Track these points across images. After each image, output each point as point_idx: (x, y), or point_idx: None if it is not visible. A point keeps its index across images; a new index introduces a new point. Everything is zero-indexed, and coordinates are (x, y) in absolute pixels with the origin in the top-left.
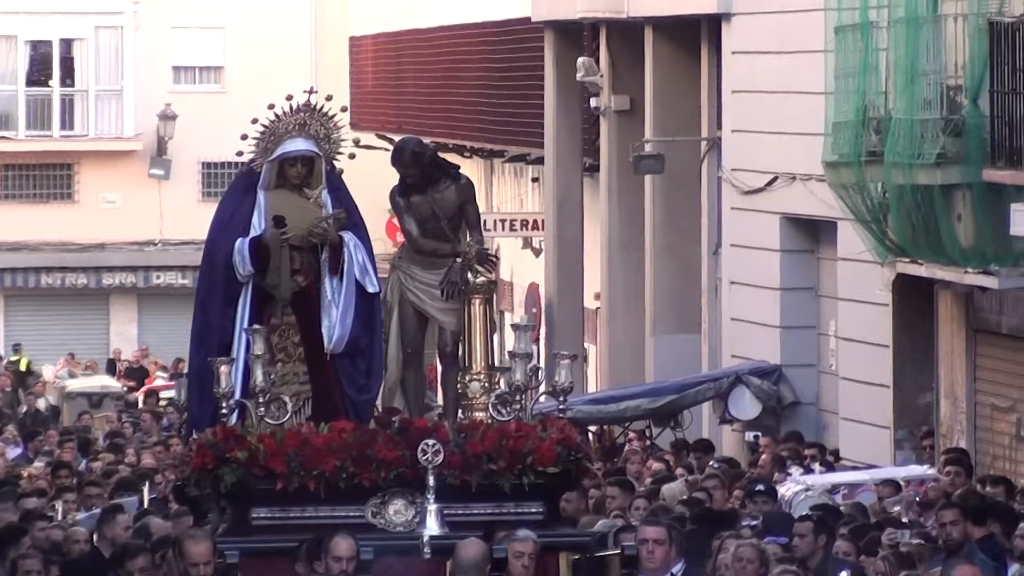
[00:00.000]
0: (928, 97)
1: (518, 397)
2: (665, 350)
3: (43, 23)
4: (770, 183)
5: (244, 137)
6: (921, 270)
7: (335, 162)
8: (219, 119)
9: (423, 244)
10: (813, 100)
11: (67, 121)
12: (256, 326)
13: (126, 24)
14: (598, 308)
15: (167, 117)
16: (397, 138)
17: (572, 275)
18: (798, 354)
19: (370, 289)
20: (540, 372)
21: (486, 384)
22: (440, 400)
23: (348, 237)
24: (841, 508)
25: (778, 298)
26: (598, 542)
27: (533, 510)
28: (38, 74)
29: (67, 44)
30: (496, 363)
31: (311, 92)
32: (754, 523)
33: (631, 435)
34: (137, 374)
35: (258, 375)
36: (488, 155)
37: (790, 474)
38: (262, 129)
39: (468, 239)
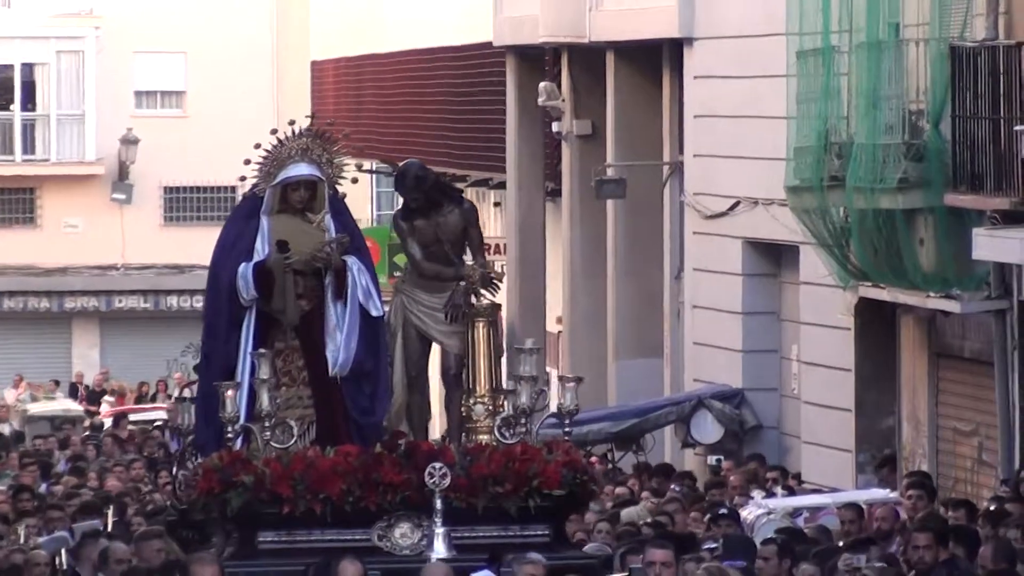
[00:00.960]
0: (890, 122)
1: (523, 420)
2: (627, 374)
3: (4, 47)
4: (732, 207)
5: (247, 162)
6: (883, 294)
7: (337, 186)
8: (181, 143)
9: (426, 268)
10: (775, 124)
11: (29, 145)
12: (261, 350)
13: (87, 48)
14: (560, 332)
15: (129, 141)
16: (366, 161)
17: (534, 299)
18: (760, 378)
19: (374, 313)
20: (546, 395)
21: (490, 407)
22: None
23: (351, 261)
24: (805, 531)
25: (740, 322)
26: (604, 564)
27: (539, 532)
28: None
29: (28, 68)
30: (500, 386)
31: (312, 117)
32: (715, 546)
33: (593, 459)
34: (99, 397)
35: (264, 399)
36: (450, 180)
37: (752, 498)
38: (265, 154)
39: (471, 262)
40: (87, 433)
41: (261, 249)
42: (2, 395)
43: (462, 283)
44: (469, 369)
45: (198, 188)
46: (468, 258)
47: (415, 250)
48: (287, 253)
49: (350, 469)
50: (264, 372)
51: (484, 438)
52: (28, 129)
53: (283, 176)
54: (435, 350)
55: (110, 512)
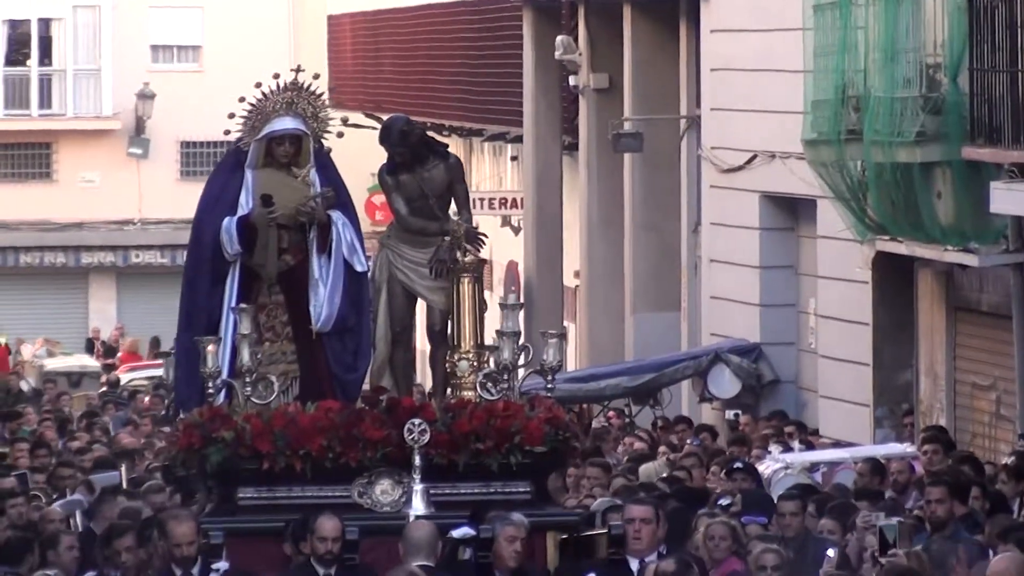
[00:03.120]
0: (907, 75)
1: (506, 376)
2: (644, 328)
3: (20, 2)
4: (749, 161)
5: (231, 116)
6: (901, 248)
7: (323, 141)
8: (198, 98)
9: (411, 223)
10: (792, 78)
11: (45, 100)
12: (243, 305)
13: (104, 3)
14: (577, 286)
15: (145, 96)
16: (383, 116)
17: (551, 253)
18: (778, 332)
19: (358, 268)
20: (528, 351)
21: (475, 363)
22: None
23: (336, 216)
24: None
25: (758, 276)
26: (586, 521)
27: (521, 490)
28: (15, 53)
29: (45, 23)
30: (484, 342)
31: (298, 71)
32: (729, 501)
33: (610, 413)
34: (115, 353)
35: (244, 355)
36: (467, 134)
37: (769, 452)
38: (249, 108)
39: (457, 218)
40: (103, 389)
41: (245, 203)
42: (20, 350)
43: (447, 238)
44: (454, 325)
45: (215, 143)
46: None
47: (400, 205)
48: (271, 207)
49: (331, 425)
50: (245, 327)
51: (468, 394)
52: (44, 84)
53: (268, 130)
54: (420, 306)
55: (123, 469)
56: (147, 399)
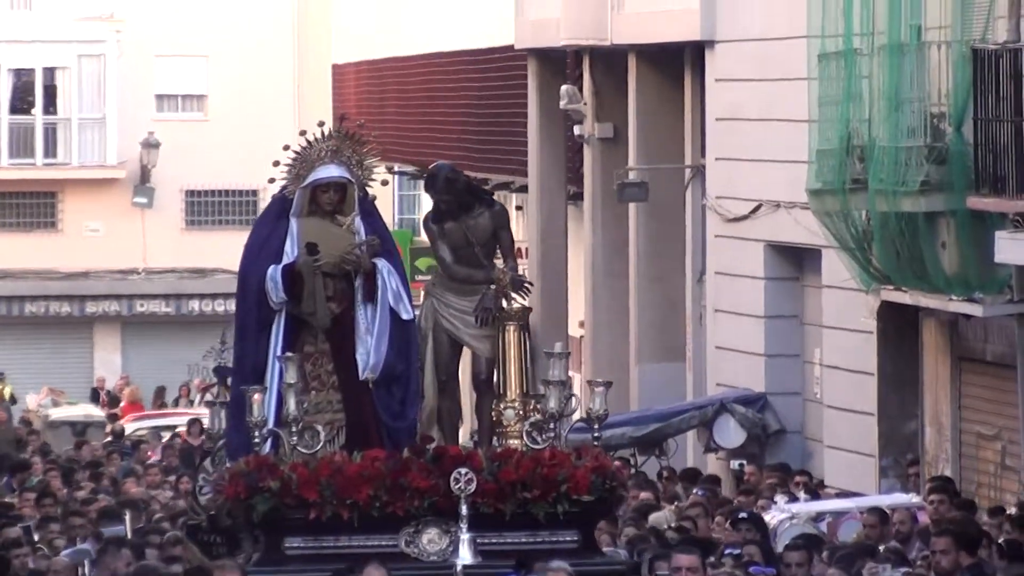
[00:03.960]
0: (912, 125)
1: (552, 425)
2: (650, 378)
3: (26, 51)
4: (754, 211)
5: (276, 163)
6: (906, 298)
7: (367, 188)
8: (202, 147)
9: (457, 271)
10: (797, 128)
11: (50, 149)
12: (289, 354)
13: (109, 52)
14: (583, 336)
15: (150, 145)
16: (389, 165)
17: (556, 303)
18: (783, 382)
19: (404, 316)
20: (575, 399)
21: (520, 412)
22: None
23: (381, 264)
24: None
25: (763, 326)
26: (632, 570)
27: (568, 538)
28: (21, 102)
29: (50, 72)
30: (531, 391)
31: (343, 119)
32: (737, 551)
33: (616, 463)
34: (120, 403)
35: (291, 404)
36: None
37: (775, 502)
38: (294, 155)
39: (502, 265)
40: (108, 439)
41: (290, 251)
42: (24, 400)
43: (492, 286)
44: (500, 373)
45: (219, 192)
46: (499, 261)
47: (445, 253)
48: (316, 255)
49: (377, 474)
50: (291, 376)
51: (515, 443)
52: (50, 133)
53: (312, 178)
54: (466, 354)
55: (127, 517)
56: (152, 451)
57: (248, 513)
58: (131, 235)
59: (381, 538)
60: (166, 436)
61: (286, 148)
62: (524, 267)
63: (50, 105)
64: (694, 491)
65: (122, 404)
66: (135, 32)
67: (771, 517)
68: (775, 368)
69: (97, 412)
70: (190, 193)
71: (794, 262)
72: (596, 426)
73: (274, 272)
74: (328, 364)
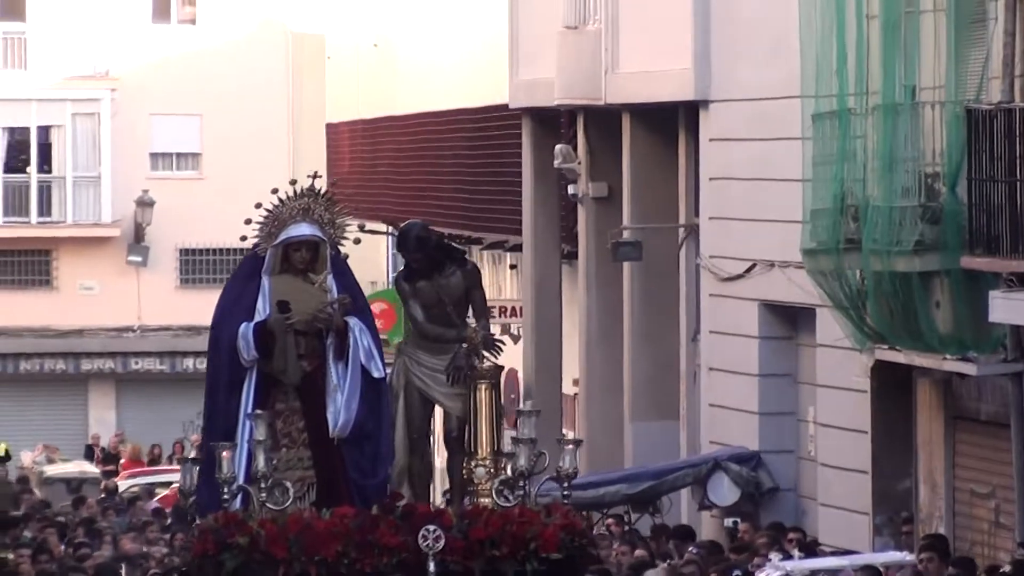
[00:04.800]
0: (906, 184)
1: (522, 483)
2: (644, 436)
3: (20, 109)
4: (748, 270)
5: (248, 222)
6: (900, 357)
7: (339, 247)
8: (197, 206)
9: (429, 330)
10: (791, 187)
11: (45, 208)
12: (259, 411)
13: (103, 111)
14: (576, 394)
15: (145, 203)
16: (381, 224)
17: (550, 361)
18: (777, 440)
19: (375, 374)
20: (545, 458)
21: (492, 470)
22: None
23: (353, 322)
24: None
25: (756, 384)
26: None
27: None
28: (15, 160)
29: (44, 131)
30: (502, 449)
31: (315, 177)
32: None
33: (609, 520)
34: (115, 460)
35: (260, 460)
36: (466, 242)
37: (769, 559)
38: (266, 213)
39: (474, 324)
40: (103, 495)
41: (262, 309)
42: (19, 457)
43: (464, 345)
44: (471, 431)
45: (214, 250)
46: (473, 320)
47: (417, 312)
48: (288, 313)
49: (346, 531)
50: (260, 433)
51: (486, 501)
52: (44, 191)
53: (284, 236)
54: (438, 412)
55: (123, 573)
56: (151, 504)
57: (217, 569)
58: (126, 293)
59: None
60: (162, 492)
61: (258, 206)
62: (518, 325)
63: (44, 163)
64: (689, 549)
65: (122, 460)
66: (130, 90)
67: (765, 575)
68: (769, 426)
69: (92, 469)
70: (184, 251)
71: (788, 321)
72: (566, 484)
73: (246, 330)
74: (299, 421)
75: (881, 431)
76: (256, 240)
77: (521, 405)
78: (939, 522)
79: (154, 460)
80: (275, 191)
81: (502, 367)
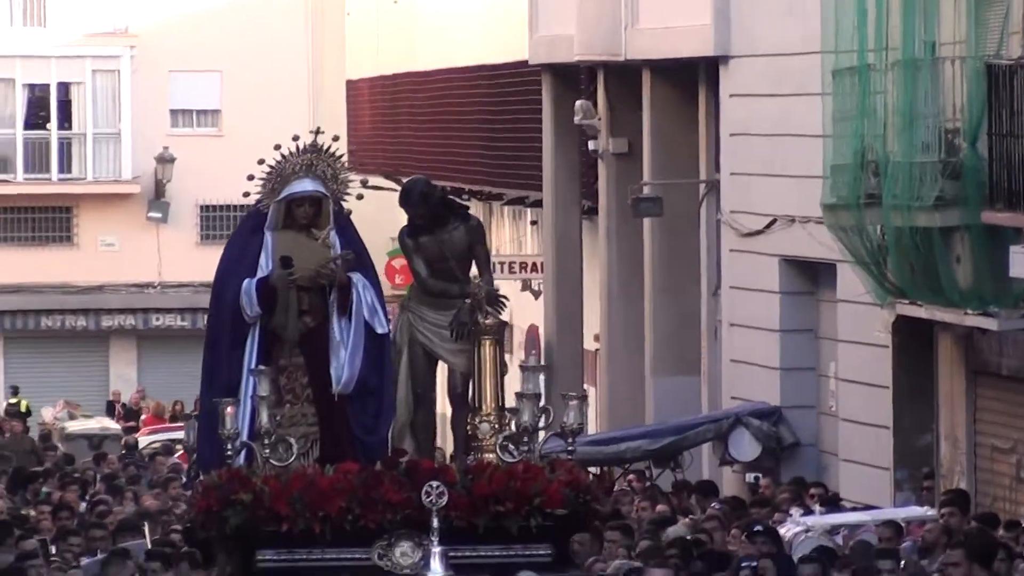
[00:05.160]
0: (926, 140)
1: (526, 438)
2: (664, 392)
3: (40, 67)
4: (769, 225)
5: (251, 177)
6: (921, 312)
7: (343, 202)
8: (217, 162)
9: (432, 285)
10: (811, 143)
11: (65, 164)
12: (262, 367)
13: (123, 68)
14: (597, 350)
15: (165, 160)
16: (403, 179)
17: (571, 317)
18: (798, 396)
19: (379, 330)
20: (549, 413)
21: (496, 425)
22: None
23: (356, 278)
24: (848, 550)
25: (777, 340)
26: None
27: (541, 552)
28: (36, 117)
29: (64, 88)
30: (506, 405)
31: (318, 132)
32: (754, 564)
33: (630, 476)
34: (136, 416)
35: (263, 417)
36: (487, 198)
37: (790, 515)
38: (269, 170)
39: (478, 280)
40: (124, 452)
41: (265, 265)
42: (40, 413)
43: (468, 301)
44: (475, 387)
45: (234, 206)
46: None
47: (420, 267)
48: (291, 269)
49: (350, 487)
50: (264, 389)
51: (490, 456)
52: (64, 148)
53: (287, 192)
54: (442, 368)
55: (147, 529)
56: (171, 460)
57: (221, 525)
58: (146, 249)
59: (353, 551)
60: (182, 449)
61: (261, 162)
62: (539, 281)
63: (65, 120)
64: (711, 505)
65: (143, 417)
66: (149, 47)
67: (786, 530)
68: (790, 382)
69: (113, 425)
70: (205, 208)
71: (809, 276)
72: (570, 439)
73: (248, 286)
74: (303, 377)
75: (902, 386)
76: (259, 196)
77: (525, 360)
78: (960, 477)
79: (176, 416)
80: (278, 147)
81: (506, 323)
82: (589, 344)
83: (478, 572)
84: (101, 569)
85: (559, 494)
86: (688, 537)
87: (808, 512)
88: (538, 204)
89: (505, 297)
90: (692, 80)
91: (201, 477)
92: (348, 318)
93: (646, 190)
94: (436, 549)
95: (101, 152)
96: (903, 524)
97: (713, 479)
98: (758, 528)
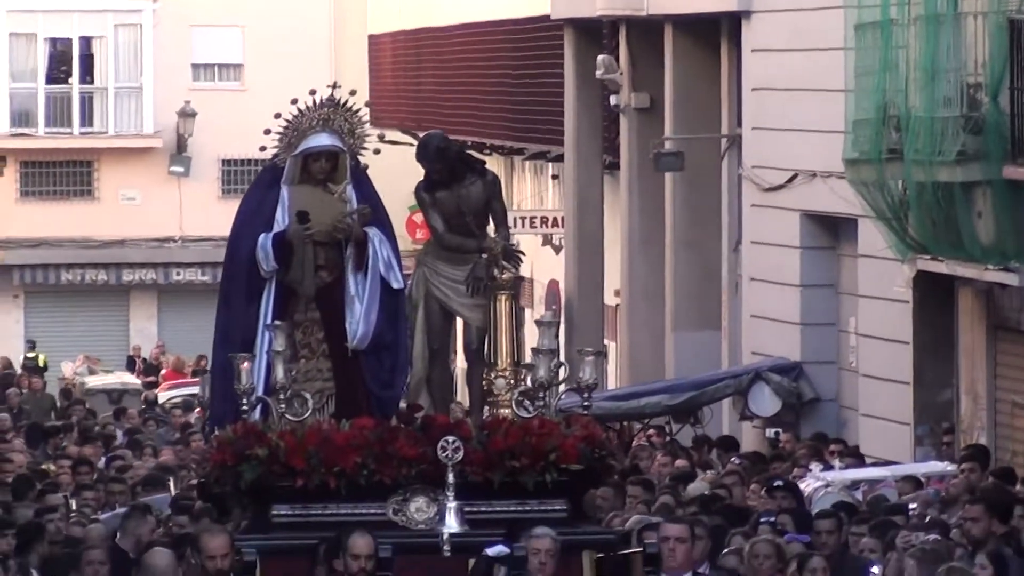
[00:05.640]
0: (948, 95)
1: (542, 393)
2: (685, 347)
3: (62, 21)
4: (790, 180)
5: (267, 132)
6: (941, 267)
7: (359, 157)
8: (239, 117)
9: (448, 240)
10: (833, 97)
11: (87, 118)
12: (277, 322)
13: (145, 22)
14: (618, 305)
15: (187, 114)
16: (421, 134)
17: (592, 272)
18: (818, 351)
19: (395, 285)
20: (564, 368)
21: (511, 381)
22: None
23: (373, 233)
24: (866, 504)
25: (798, 295)
26: (621, 540)
27: (556, 507)
28: (57, 72)
29: (86, 42)
30: (522, 360)
31: (334, 87)
32: (772, 519)
33: (650, 432)
34: (156, 371)
35: (279, 372)
36: (508, 153)
37: (810, 470)
38: (285, 124)
39: (494, 235)
40: (143, 407)
41: (281, 220)
42: (60, 368)
43: (484, 256)
44: (491, 342)
45: (255, 161)
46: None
47: (437, 222)
48: (307, 223)
49: (365, 442)
50: (279, 344)
51: (505, 412)
52: (86, 102)
53: (304, 146)
54: (458, 323)
55: (172, 483)
56: (192, 415)
57: (235, 480)
58: (167, 204)
59: (369, 506)
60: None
61: (277, 116)
62: (560, 236)
63: (86, 74)
64: (731, 459)
65: (163, 372)
66: (171, 2)
67: (806, 484)
68: (810, 337)
69: (133, 380)
70: (226, 162)
71: (830, 231)
72: (586, 395)
73: (264, 240)
74: (318, 332)
75: (922, 341)
76: (276, 150)
77: (539, 316)
78: (980, 432)
79: (197, 372)
80: (295, 101)
81: (522, 278)
82: (610, 299)
83: (493, 527)
84: (121, 523)
85: (574, 449)
86: (707, 492)
87: (828, 467)
88: (559, 159)
89: (521, 252)
90: (714, 35)
91: (216, 432)
92: (364, 273)
93: (668, 145)
94: (451, 504)
95: (123, 106)
96: (923, 479)
97: (733, 434)
98: (778, 483)
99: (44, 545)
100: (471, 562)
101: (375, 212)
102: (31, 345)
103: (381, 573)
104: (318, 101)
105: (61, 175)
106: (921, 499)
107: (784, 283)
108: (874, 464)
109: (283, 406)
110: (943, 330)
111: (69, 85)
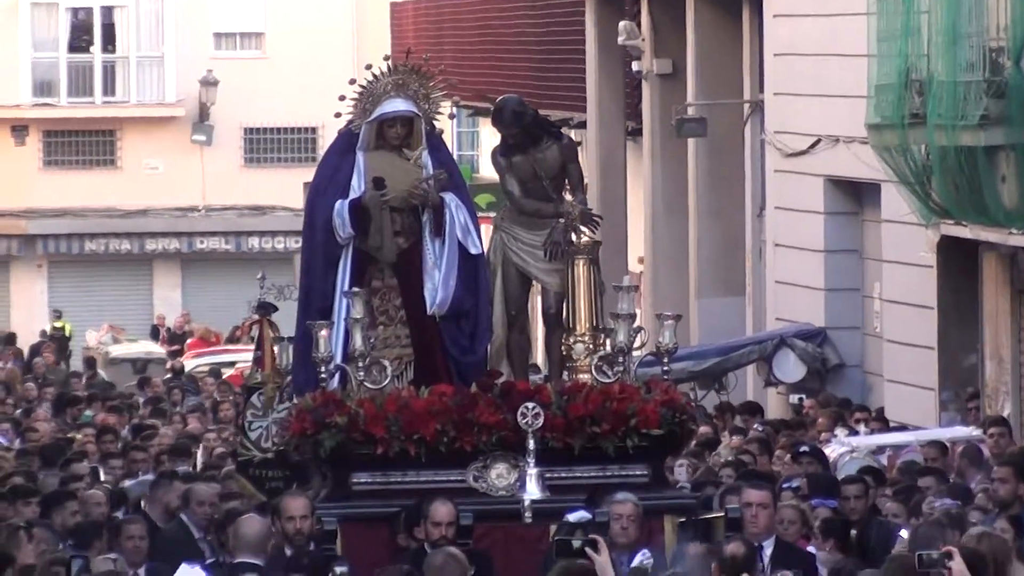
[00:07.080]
0: (970, 59)
1: (621, 359)
2: (709, 313)
3: None
4: (813, 146)
5: (342, 98)
6: (965, 232)
7: (434, 122)
8: (261, 85)
9: (525, 204)
10: (855, 62)
11: (109, 87)
12: (355, 289)
13: None
14: (642, 271)
15: (209, 83)
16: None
17: (616, 239)
18: (842, 316)
19: (472, 250)
20: (644, 333)
21: (590, 346)
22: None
23: (449, 198)
24: (897, 469)
25: (822, 260)
26: (703, 505)
27: (637, 472)
28: (79, 40)
29: (108, 10)
30: (601, 325)
31: (408, 53)
32: (796, 484)
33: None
34: (180, 340)
35: (357, 339)
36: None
37: (835, 435)
38: (360, 90)
39: (571, 199)
40: (168, 376)
41: (357, 186)
42: (84, 337)
43: (561, 220)
44: (569, 307)
45: (278, 129)
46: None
47: (513, 187)
48: (383, 190)
49: (445, 409)
50: (357, 311)
51: (584, 377)
52: (108, 71)
53: (379, 112)
54: (535, 288)
55: (199, 452)
56: (210, 388)
57: (315, 449)
58: (190, 173)
59: (449, 473)
60: (228, 372)
61: (352, 82)
62: None
63: (108, 43)
64: (755, 426)
65: (188, 341)
66: None
67: (831, 450)
68: (835, 302)
69: (157, 349)
70: (249, 131)
71: (853, 196)
72: (666, 360)
73: (341, 207)
74: (396, 299)
75: (947, 306)
76: (350, 116)
77: (621, 281)
78: (1005, 397)
79: (232, 341)
80: (369, 67)
81: (600, 242)
82: (633, 266)
83: (574, 493)
84: (149, 491)
85: (655, 414)
86: (731, 458)
87: (853, 433)
88: (582, 126)
89: (599, 216)
90: (736, 0)
91: (295, 400)
92: (441, 239)
93: (690, 111)
94: (532, 471)
95: (145, 75)
96: (948, 444)
97: (757, 400)
98: (804, 448)
99: (69, 513)
100: (552, 528)
101: (451, 177)
102: (58, 315)
103: (462, 540)
104: (392, 66)
105: (84, 144)
106: (897, 468)
107: (808, 248)
108: (896, 429)
109: (362, 373)
110: (967, 295)
111: (91, 54)
